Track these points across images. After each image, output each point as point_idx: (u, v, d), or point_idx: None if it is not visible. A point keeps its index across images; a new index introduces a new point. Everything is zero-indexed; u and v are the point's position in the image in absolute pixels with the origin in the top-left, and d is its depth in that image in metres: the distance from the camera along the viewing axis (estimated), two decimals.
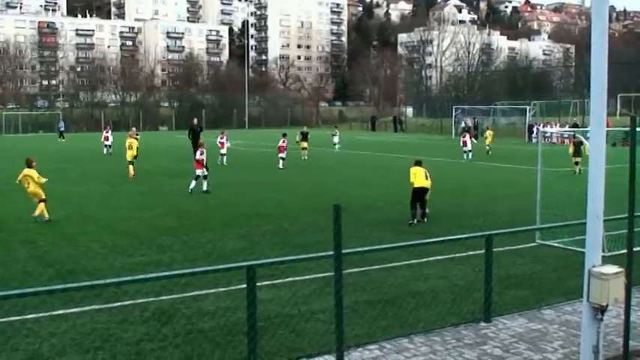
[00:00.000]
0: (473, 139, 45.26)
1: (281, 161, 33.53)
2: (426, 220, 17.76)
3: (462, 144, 40.13)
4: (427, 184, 18.17)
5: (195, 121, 40.51)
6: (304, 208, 19.98)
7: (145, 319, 9.41)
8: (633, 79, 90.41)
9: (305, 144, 39.78)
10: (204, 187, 23.46)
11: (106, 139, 43.41)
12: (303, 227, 16.50)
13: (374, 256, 11.70)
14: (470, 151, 38.94)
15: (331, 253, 7.33)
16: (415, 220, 17.53)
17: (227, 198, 22.30)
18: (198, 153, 24.30)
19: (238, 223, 17.21)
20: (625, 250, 8.10)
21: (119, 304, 9.85)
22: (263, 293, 9.56)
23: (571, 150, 29.65)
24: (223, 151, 35.76)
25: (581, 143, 27.23)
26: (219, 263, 11.01)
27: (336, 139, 46.85)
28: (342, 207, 7.13)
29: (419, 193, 18.02)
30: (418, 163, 18.86)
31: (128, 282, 8.45)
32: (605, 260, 7.31)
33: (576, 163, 28.66)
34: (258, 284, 7.55)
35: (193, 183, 23.43)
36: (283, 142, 34.24)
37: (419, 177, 18.16)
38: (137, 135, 33.07)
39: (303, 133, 40.54)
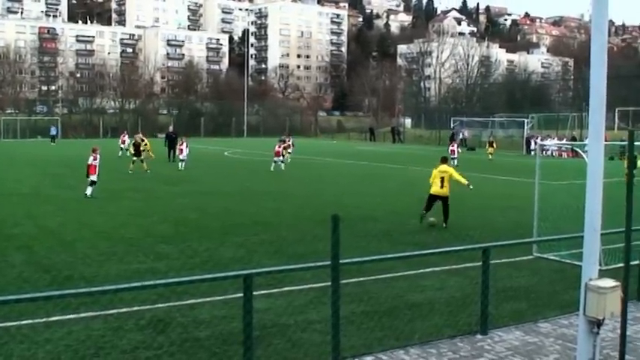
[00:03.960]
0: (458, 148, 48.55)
1: (273, 164, 36.05)
2: (445, 225, 18.09)
3: (450, 152, 41.66)
4: (442, 192, 18.39)
5: (171, 128, 44.35)
6: (302, 217, 19.96)
7: (141, 327, 9.38)
8: (631, 93, 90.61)
9: (284, 152, 40.37)
10: (89, 193, 23.54)
11: (123, 142, 46.69)
12: (301, 236, 16.48)
13: (371, 266, 11.68)
14: (455, 158, 41.07)
15: (328, 263, 7.32)
16: (424, 212, 18.21)
17: (225, 206, 22.28)
18: (91, 158, 24.23)
19: (236, 232, 17.18)
20: (622, 264, 8.10)
21: (115, 311, 9.81)
22: (259, 302, 9.52)
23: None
24: (182, 156, 36.20)
25: (636, 157, 28.00)
26: (216, 272, 10.97)
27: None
28: (339, 217, 7.12)
29: (434, 199, 18.41)
30: (443, 161, 19.13)
31: (124, 289, 8.42)
32: (602, 274, 7.30)
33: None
34: (254, 293, 7.53)
35: (90, 189, 23.62)
36: (279, 146, 37.11)
37: (435, 183, 18.51)
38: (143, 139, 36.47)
39: (282, 140, 41.35)
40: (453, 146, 45.25)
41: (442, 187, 18.42)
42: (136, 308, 9.94)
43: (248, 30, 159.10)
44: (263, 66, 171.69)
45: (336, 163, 43.72)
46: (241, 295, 7.38)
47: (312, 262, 9.56)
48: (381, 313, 10.08)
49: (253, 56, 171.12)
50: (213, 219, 19.45)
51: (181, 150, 36.59)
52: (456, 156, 42.22)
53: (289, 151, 41.78)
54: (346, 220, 17.86)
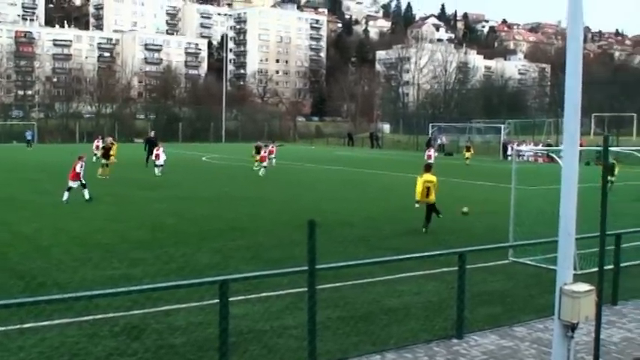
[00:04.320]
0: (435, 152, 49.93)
1: (262, 170, 36.42)
2: (424, 230, 18.26)
3: (426, 158, 42.38)
4: (428, 200, 18.59)
5: (153, 133, 44.33)
6: (279, 222, 19.91)
7: (115, 333, 9.29)
8: (607, 99, 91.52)
9: (258, 157, 40.75)
10: (87, 196, 23.74)
11: (97, 147, 44.47)
12: (278, 242, 16.44)
13: (348, 271, 11.68)
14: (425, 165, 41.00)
15: (305, 268, 7.30)
16: (424, 229, 18.28)
17: (202, 211, 22.17)
18: (78, 166, 24.19)
19: (213, 237, 17.10)
20: (596, 269, 8.16)
21: (90, 317, 9.71)
22: (236, 308, 9.48)
23: None
24: (159, 162, 35.93)
25: (614, 164, 28.80)
26: (192, 278, 10.91)
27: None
28: (316, 222, 7.11)
29: (427, 207, 18.57)
30: (427, 169, 19.38)
31: (99, 296, 8.36)
32: (577, 278, 7.36)
33: (611, 182, 29.57)
34: (231, 299, 7.49)
35: (66, 195, 23.57)
36: (264, 152, 38.30)
37: (421, 193, 18.68)
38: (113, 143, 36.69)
39: (257, 147, 41.83)
40: (429, 152, 45.72)
41: (428, 195, 18.50)
42: (110, 315, 9.86)
43: (227, 35, 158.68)
44: (242, 71, 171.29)
45: (314, 169, 43.72)
46: (217, 301, 7.35)
47: (289, 268, 9.56)
48: (357, 318, 10.08)
49: (232, 61, 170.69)
50: (190, 224, 19.35)
51: (158, 155, 36.36)
52: (432, 161, 42.37)
53: (272, 156, 42.05)
54: (323, 225, 17.84)
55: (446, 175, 40.12)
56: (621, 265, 11.78)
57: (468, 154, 51.50)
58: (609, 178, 29.61)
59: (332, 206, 24.07)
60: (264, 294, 11.06)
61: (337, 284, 11.57)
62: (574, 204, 6.90)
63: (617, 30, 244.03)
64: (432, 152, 45.25)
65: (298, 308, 9.82)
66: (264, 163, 37.40)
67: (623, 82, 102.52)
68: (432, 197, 18.55)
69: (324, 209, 22.91)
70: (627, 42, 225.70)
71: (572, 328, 6.82)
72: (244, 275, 9.45)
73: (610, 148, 21.03)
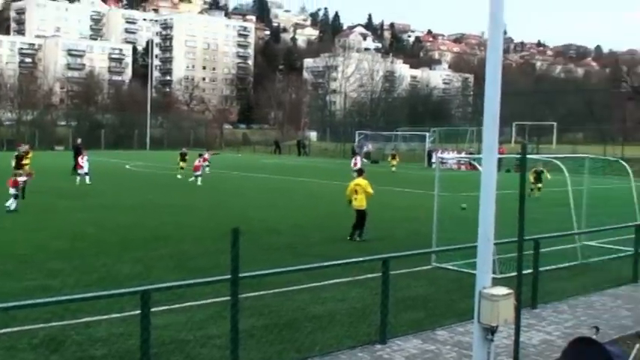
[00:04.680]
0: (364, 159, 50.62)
1: (197, 178, 35.82)
2: (358, 239, 18.20)
3: (352, 165, 42.59)
4: (356, 205, 18.64)
5: (79, 140, 42.96)
6: (204, 230, 19.70)
7: (34, 346, 9.02)
8: (528, 108, 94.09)
9: (183, 164, 40.56)
10: (13, 207, 23.01)
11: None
12: (203, 250, 16.28)
13: (273, 279, 11.65)
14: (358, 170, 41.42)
15: (228, 277, 7.24)
16: (349, 237, 18.19)
17: (125, 221, 21.72)
18: (21, 175, 23.71)
19: (135, 247, 16.78)
20: (516, 273, 8.34)
21: (7, 330, 9.41)
22: (158, 319, 9.33)
23: (532, 178, 30.73)
24: (81, 171, 35.00)
25: (542, 172, 30.00)
26: (113, 288, 10.68)
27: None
28: (242, 230, 7.08)
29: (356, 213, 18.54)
30: (359, 173, 19.48)
31: (16, 307, 8.07)
32: (497, 282, 7.51)
33: (539, 189, 30.73)
34: (153, 309, 7.38)
35: (14, 203, 23.05)
36: (199, 161, 37.29)
37: (352, 197, 18.73)
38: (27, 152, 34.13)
39: (182, 154, 41.46)
40: (355, 159, 46.15)
41: (356, 199, 18.60)
42: (28, 327, 9.56)
43: (152, 40, 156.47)
44: (167, 77, 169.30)
45: (241, 177, 43.47)
46: (139, 311, 7.22)
47: (213, 277, 9.46)
48: (281, 326, 10.05)
49: (157, 67, 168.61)
50: (111, 234, 18.94)
51: (80, 165, 35.31)
52: (356, 168, 42.83)
53: (206, 164, 41.36)
54: (250, 233, 17.81)
55: (372, 182, 40.56)
56: (540, 269, 12.12)
57: (393, 162, 52.39)
58: (538, 185, 30.68)
59: (258, 214, 23.98)
60: (187, 304, 10.92)
61: (262, 292, 11.53)
62: (492, 210, 7.05)
63: (539, 41, 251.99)
64: (357, 160, 45.67)
65: (222, 317, 9.72)
66: (199, 172, 36.56)
67: (544, 92, 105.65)
68: (359, 202, 18.60)
69: (250, 217, 22.80)
70: (549, 52, 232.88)
71: (491, 331, 6.95)
72: (166, 285, 9.29)
73: (531, 156, 21.64)
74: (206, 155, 42.11)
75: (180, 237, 18.51)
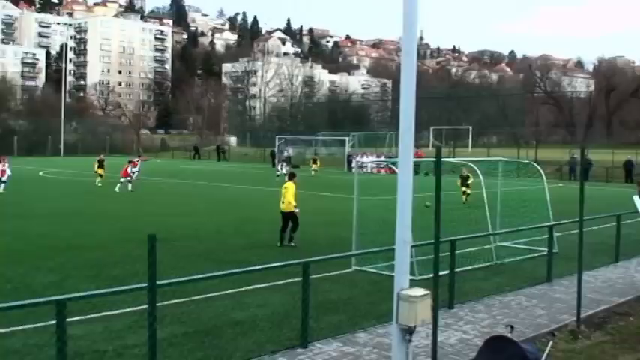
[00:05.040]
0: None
1: (129, 185, 35.57)
2: (292, 243, 18.14)
3: (278, 170, 42.66)
4: (282, 208, 18.64)
5: None
6: (122, 239, 19.35)
7: None
8: (445, 113, 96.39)
9: (101, 171, 39.73)
10: None
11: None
12: (120, 259, 16.00)
13: (193, 286, 11.56)
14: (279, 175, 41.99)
15: (145, 284, 7.15)
16: (279, 243, 18.07)
17: (40, 230, 21.11)
18: None
19: (51, 256, 16.34)
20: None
21: None
22: (75, 329, 9.17)
23: (459, 182, 31.08)
24: (4, 178, 33.94)
25: (468, 177, 30.01)
26: (28, 298, 10.39)
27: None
28: (160, 237, 7.00)
29: (282, 217, 18.55)
30: (290, 177, 19.38)
31: None
32: (416, 284, 7.68)
33: (465, 194, 30.64)
34: (69, 319, 7.23)
35: None
36: (128, 167, 36.75)
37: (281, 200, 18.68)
38: None
39: (100, 160, 40.46)
40: (281, 164, 46.49)
41: (282, 202, 18.63)
42: None
43: (66, 44, 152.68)
44: (82, 82, 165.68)
45: (159, 183, 42.86)
46: (54, 321, 7.06)
47: (131, 285, 9.33)
48: (203, 333, 10.00)
49: (72, 72, 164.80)
50: (25, 243, 18.39)
51: (3, 172, 34.01)
52: (279, 173, 43.14)
53: (136, 169, 40.40)
54: (168, 240, 17.64)
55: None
56: (457, 270, 12.42)
57: (314, 166, 52.76)
58: (466, 190, 31.12)
59: (177, 220, 23.73)
60: (104, 313, 10.74)
61: (183, 299, 11.45)
62: (409, 213, 7.20)
63: (454, 47, 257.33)
64: (283, 165, 46.15)
65: (141, 326, 9.58)
66: (127, 178, 35.98)
67: (459, 97, 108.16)
68: (285, 205, 18.61)
69: (169, 223, 22.53)
70: (464, 58, 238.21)
71: (409, 331, 7.10)
72: (82, 294, 9.09)
73: (447, 160, 22.10)
74: (136, 160, 41.55)
75: (97, 245, 18.14)
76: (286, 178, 19.83)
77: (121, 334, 9.92)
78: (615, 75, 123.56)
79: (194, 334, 9.92)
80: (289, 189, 18.75)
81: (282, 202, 18.69)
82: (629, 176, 50.51)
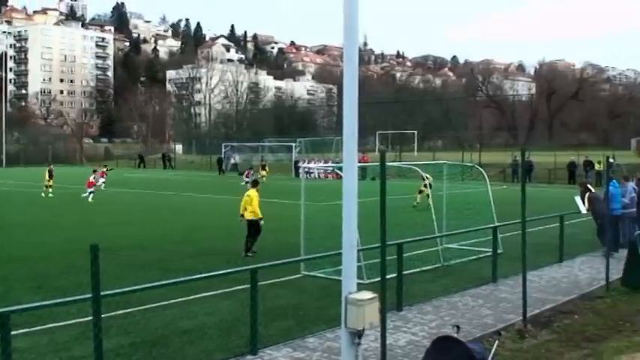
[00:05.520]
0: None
1: (90, 195, 35.55)
2: (250, 254, 17.83)
3: (245, 177, 44.04)
4: (246, 215, 18.44)
5: None
6: (67, 249, 19.00)
7: None
8: (390, 117, 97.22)
9: (50, 182, 39.20)
10: None
11: None
12: (64, 269, 15.73)
13: (140, 296, 11.44)
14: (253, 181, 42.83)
15: (90, 295, 7.06)
16: (244, 254, 17.79)
17: None
18: None
19: None
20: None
21: None
22: (20, 342, 9.02)
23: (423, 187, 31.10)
24: None
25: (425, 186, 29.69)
26: None
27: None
28: (104, 247, 6.92)
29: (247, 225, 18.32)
30: (253, 184, 19.31)
31: None
32: (365, 287, 7.72)
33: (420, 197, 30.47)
34: (14, 332, 7.10)
35: None
36: (93, 177, 37.60)
37: (242, 207, 18.57)
38: None
39: (50, 170, 40.03)
40: (248, 175, 46.85)
41: (245, 209, 18.49)
42: None
43: (6, 53, 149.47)
44: (23, 91, 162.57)
45: (103, 192, 42.23)
46: None
47: (75, 296, 9.20)
48: (150, 343, 9.90)
49: (12, 81, 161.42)
50: None
51: None
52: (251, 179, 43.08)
53: (102, 180, 41.75)
54: (113, 250, 17.43)
55: (241, 194, 40.53)
56: (404, 272, 12.54)
57: (263, 173, 53.00)
58: (428, 193, 31.09)
59: (123, 230, 23.44)
60: (50, 325, 10.56)
61: (129, 310, 11.30)
62: (355, 217, 7.24)
63: (398, 52, 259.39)
64: (249, 172, 47.08)
65: (87, 337, 9.43)
66: (92, 189, 36.12)
67: (404, 102, 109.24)
68: (249, 214, 18.43)
69: (113, 233, 22.24)
70: (408, 63, 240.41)
71: (358, 335, 7.14)
72: (26, 306, 8.91)
73: (391, 164, 22.32)
74: (104, 170, 42.69)
75: (41, 256, 17.80)
76: (249, 186, 19.63)
77: (67, 346, 9.77)
78: (556, 78, 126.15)
79: (141, 345, 9.82)
80: (254, 197, 18.59)
81: (246, 210, 18.48)
82: (573, 177, 51.28)
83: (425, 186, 30.76)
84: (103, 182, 41.66)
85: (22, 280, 14.68)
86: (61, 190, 40.33)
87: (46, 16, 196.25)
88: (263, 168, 54.60)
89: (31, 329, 10.22)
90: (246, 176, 45.58)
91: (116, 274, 14.16)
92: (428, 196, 30.74)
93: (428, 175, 27.26)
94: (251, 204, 18.50)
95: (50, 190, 38.55)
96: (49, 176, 39.25)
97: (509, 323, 11.39)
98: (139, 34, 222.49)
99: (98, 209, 31.49)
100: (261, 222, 18.45)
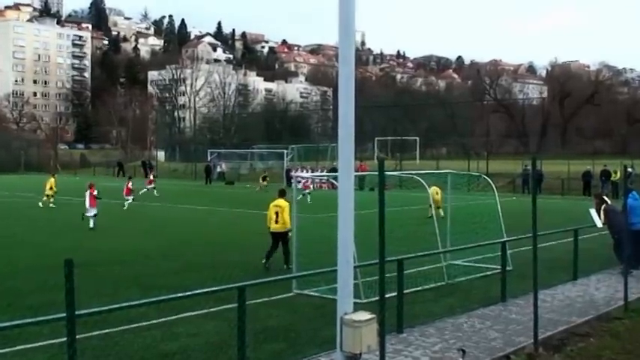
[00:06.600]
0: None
1: (126, 202, 37.47)
2: (286, 267, 17.62)
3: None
4: (276, 228, 18.29)
5: None
6: (40, 265, 18.93)
7: None
8: (390, 122, 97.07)
9: (52, 191, 39.36)
10: None
11: None
12: (38, 286, 15.65)
13: (118, 315, 11.35)
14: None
15: (64, 314, 7.03)
16: (266, 263, 17.80)
17: None
18: None
19: None
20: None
21: None
22: None
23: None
24: None
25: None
26: None
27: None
28: (81, 262, 6.91)
29: (273, 237, 18.28)
30: (281, 194, 18.97)
31: None
32: (362, 307, 7.69)
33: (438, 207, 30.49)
34: None
35: None
36: (129, 184, 39.05)
37: (271, 219, 18.43)
38: None
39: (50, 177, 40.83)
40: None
41: (277, 222, 18.35)
42: None
43: None
44: None
45: (78, 203, 42.10)
46: None
47: (48, 316, 9.13)
48: None
49: None
50: None
51: None
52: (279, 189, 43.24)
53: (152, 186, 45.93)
54: (90, 265, 17.38)
55: (230, 204, 40.53)
56: (405, 291, 12.48)
57: (264, 183, 53.56)
58: (438, 206, 31.01)
59: (100, 243, 23.38)
60: (20, 347, 10.50)
61: (107, 330, 11.26)
62: (351, 231, 7.21)
63: (398, 52, 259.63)
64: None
65: None
66: (131, 196, 37.76)
67: (405, 106, 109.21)
68: (281, 225, 18.25)
69: (90, 247, 22.18)
70: (409, 64, 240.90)
71: (355, 359, 7.11)
72: None
73: (391, 173, 22.30)
74: (151, 177, 47.67)
75: (11, 273, 17.73)
76: (277, 195, 19.30)
77: None
78: (569, 80, 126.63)
79: None
80: (284, 207, 18.41)
81: (276, 222, 18.33)
82: (588, 188, 50.70)
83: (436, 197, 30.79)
84: (153, 188, 46.16)
85: None
86: (28, 200, 40.23)
87: (18, 12, 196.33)
88: (264, 179, 55.00)
89: (1, 351, 10.17)
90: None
91: (94, 290, 14.11)
92: (438, 208, 30.79)
93: (435, 187, 27.07)
94: (282, 214, 18.35)
95: (47, 200, 38.75)
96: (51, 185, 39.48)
97: (519, 347, 11.34)
98: (118, 32, 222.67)
99: (73, 221, 31.36)
100: (290, 234, 17.95)
